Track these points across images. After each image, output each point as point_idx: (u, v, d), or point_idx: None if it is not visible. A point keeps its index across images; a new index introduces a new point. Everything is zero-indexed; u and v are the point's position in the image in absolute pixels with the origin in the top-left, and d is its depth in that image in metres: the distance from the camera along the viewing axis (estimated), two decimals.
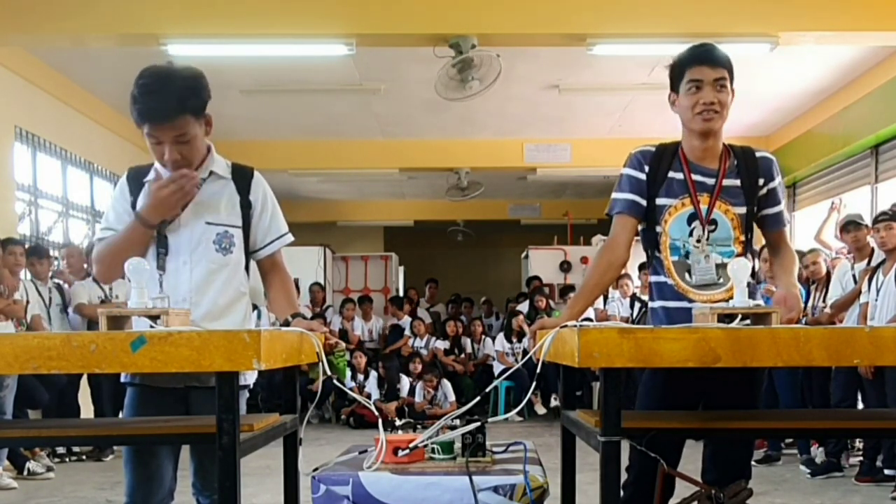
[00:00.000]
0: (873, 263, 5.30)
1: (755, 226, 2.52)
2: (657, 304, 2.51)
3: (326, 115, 8.97)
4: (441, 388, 8.58)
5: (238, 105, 8.26)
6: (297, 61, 6.74)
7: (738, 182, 2.43)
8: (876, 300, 5.04)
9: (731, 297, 2.12)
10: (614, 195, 2.51)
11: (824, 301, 5.87)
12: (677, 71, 2.43)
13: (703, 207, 2.42)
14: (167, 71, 2.21)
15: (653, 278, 2.54)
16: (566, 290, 10.27)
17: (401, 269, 14.06)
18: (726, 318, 2.02)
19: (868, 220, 5.65)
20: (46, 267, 6.34)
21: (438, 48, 5.87)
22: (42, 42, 6.13)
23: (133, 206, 2.35)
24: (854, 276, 5.57)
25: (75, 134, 7.78)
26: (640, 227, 2.53)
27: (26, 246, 6.16)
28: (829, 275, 5.99)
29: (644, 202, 2.47)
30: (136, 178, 2.38)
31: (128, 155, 7.77)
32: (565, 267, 11.29)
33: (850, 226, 5.66)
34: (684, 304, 2.42)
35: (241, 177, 2.41)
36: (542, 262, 11.41)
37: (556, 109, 8.84)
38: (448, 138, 10.11)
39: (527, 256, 11.91)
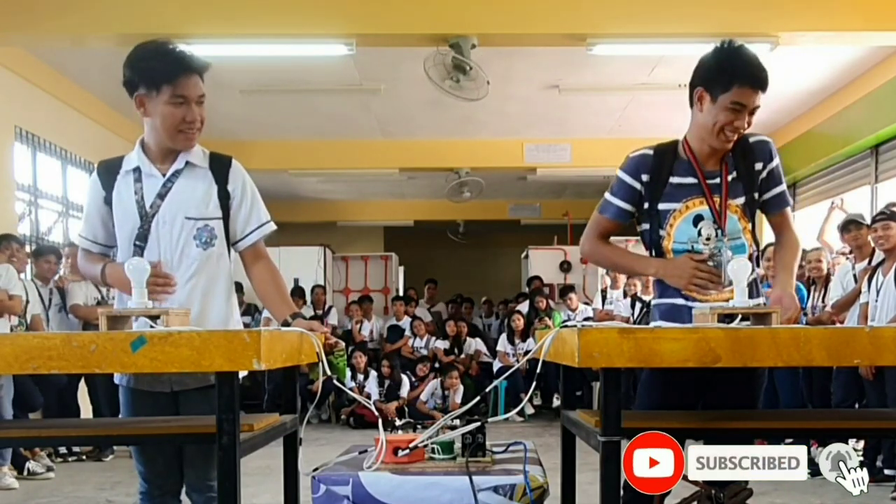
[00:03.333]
0: (873, 263, 5.30)
1: (759, 212, 2.51)
2: (659, 300, 2.53)
3: (326, 115, 8.96)
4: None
5: (238, 105, 8.25)
6: (296, 61, 6.73)
7: (735, 174, 2.43)
8: (876, 301, 5.03)
9: (732, 297, 2.12)
10: (608, 197, 2.52)
11: (824, 301, 5.86)
12: (723, 78, 2.27)
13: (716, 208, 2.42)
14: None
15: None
16: (566, 290, 10.25)
17: (401, 269, 14.04)
18: (726, 318, 2.02)
19: (869, 220, 5.65)
20: (54, 267, 6.32)
21: (441, 48, 5.87)
22: (41, 41, 6.12)
23: (106, 200, 2.33)
24: (854, 275, 5.56)
25: (75, 134, 7.77)
26: (640, 229, 2.54)
27: (27, 247, 6.16)
28: (829, 275, 5.99)
29: (633, 208, 2.49)
30: (108, 172, 2.35)
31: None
32: (565, 267, 11.28)
33: (850, 225, 5.66)
34: (686, 301, 2.43)
35: (219, 166, 2.36)
36: (542, 262, 11.40)
37: (555, 109, 8.83)
38: (448, 138, 10.10)
39: (527, 256, 11.90)
